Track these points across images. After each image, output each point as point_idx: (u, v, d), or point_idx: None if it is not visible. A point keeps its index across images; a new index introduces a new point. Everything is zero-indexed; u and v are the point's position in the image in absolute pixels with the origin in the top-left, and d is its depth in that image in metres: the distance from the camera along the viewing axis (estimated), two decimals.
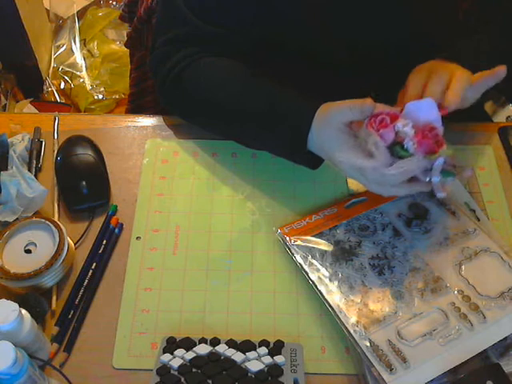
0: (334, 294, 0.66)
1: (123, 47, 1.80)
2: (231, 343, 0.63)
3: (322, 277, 0.68)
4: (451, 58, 0.70)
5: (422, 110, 0.61)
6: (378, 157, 0.60)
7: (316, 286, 0.67)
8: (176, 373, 0.60)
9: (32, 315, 0.60)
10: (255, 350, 0.62)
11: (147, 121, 0.87)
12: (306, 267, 0.69)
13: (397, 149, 0.60)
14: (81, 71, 1.87)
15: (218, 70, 0.79)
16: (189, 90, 0.79)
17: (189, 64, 0.78)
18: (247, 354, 0.61)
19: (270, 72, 0.78)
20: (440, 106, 0.62)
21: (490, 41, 0.81)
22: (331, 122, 0.65)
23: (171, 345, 0.63)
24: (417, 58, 0.71)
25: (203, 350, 0.62)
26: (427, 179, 0.61)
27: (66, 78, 1.87)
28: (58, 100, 1.84)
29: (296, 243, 0.71)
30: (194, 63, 0.78)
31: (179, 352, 0.62)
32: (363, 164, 0.62)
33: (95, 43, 1.92)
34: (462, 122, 0.84)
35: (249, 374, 0.60)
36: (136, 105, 1.15)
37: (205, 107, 0.79)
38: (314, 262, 0.69)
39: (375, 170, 0.61)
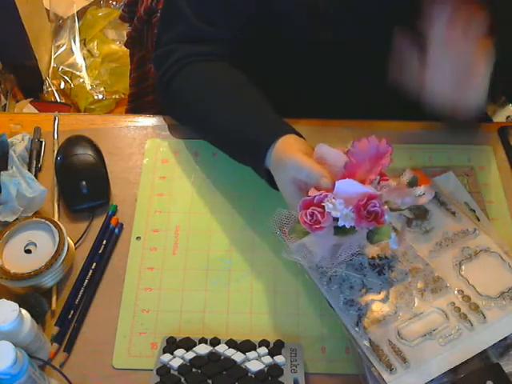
0: (334, 293, 0.66)
1: (123, 47, 1.80)
2: (231, 343, 0.63)
3: (322, 276, 0.68)
4: None
5: (349, 187, 0.56)
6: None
7: (316, 286, 0.67)
8: (176, 373, 0.60)
9: (32, 315, 0.60)
10: (255, 350, 0.62)
11: (147, 121, 0.87)
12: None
13: (341, 230, 0.58)
14: (81, 71, 1.87)
15: (202, 82, 0.79)
16: (175, 98, 0.80)
17: (179, 69, 0.78)
18: (247, 354, 0.61)
19: (269, 71, 0.78)
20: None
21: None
22: (285, 170, 0.64)
23: (171, 345, 0.63)
24: None
25: (203, 349, 0.62)
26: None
27: (66, 77, 1.87)
28: (58, 100, 1.84)
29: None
30: (182, 71, 0.78)
31: (179, 352, 0.62)
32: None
33: (95, 43, 1.91)
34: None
35: (249, 374, 0.60)
36: (136, 105, 1.15)
37: (187, 116, 0.80)
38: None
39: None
